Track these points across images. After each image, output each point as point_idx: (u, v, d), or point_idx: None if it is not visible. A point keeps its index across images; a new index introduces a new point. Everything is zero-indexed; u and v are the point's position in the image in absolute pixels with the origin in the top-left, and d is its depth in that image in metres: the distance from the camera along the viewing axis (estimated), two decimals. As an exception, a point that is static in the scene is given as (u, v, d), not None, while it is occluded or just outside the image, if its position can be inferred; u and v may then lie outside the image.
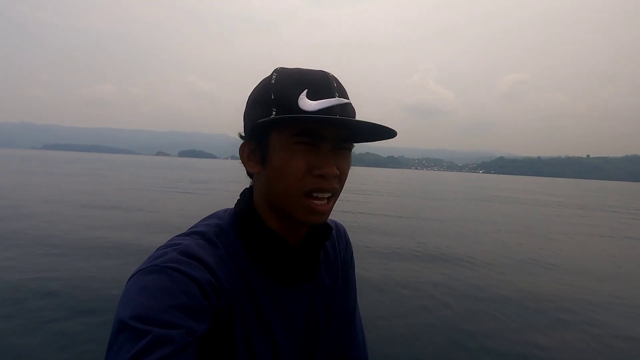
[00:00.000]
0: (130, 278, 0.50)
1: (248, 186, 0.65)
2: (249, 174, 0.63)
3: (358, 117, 0.58)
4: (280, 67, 0.58)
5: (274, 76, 0.57)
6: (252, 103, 0.59)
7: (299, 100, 0.53)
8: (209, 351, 0.50)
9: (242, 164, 0.61)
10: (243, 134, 0.61)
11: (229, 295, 0.55)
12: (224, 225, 0.61)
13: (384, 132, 0.55)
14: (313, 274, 0.65)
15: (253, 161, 0.59)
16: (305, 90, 0.54)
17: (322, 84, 0.55)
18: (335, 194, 0.58)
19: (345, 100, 0.55)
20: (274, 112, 0.54)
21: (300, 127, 0.54)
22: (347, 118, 0.53)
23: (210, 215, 0.66)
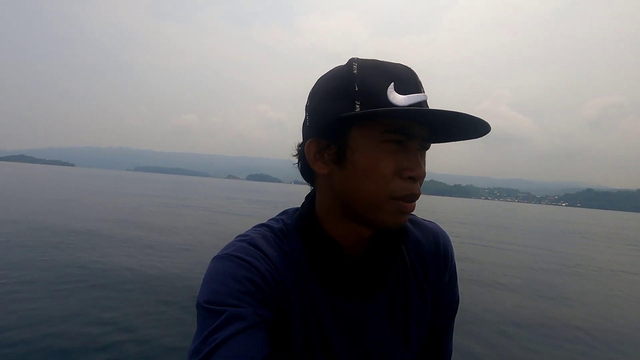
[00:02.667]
0: (209, 264, 0.55)
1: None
2: (308, 178, 0.61)
3: None
4: (358, 58, 0.54)
5: (354, 65, 0.52)
6: (325, 95, 0.53)
7: (388, 94, 0.49)
8: (272, 340, 0.52)
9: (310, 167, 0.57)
10: (306, 130, 0.57)
11: (288, 290, 0.56)
12: (290, 224, 0.62)
13: (469, 130, 0.51)
14: (379, 287, 0.60)
15: (322, 160, 0.55)
16: (392, 83, 0.50)
17: (409, 77, 0.51)
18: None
19: (427, 96, 0.52)
20: (357, 106, 0.50)
21: (390, 124, 0.50)
22: (443, 109, 0.47)
23: (283, 211, 0.66)
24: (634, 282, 7.10)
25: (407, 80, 0.51)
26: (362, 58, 0.53)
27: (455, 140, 0.57)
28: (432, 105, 0.52)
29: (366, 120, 0.51)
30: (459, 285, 0.70)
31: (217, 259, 0.54)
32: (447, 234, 0.71)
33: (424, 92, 0.52)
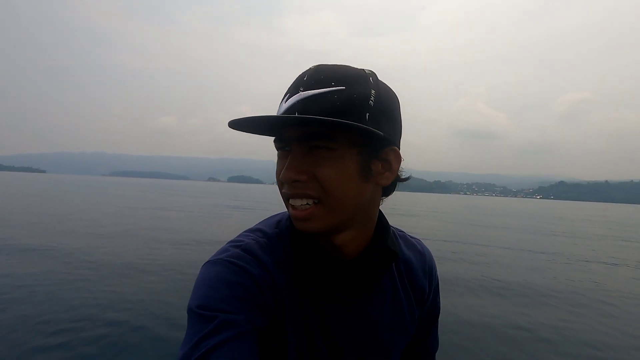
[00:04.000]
0: (201, 268, 0.55)
1: None
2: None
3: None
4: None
5: None
6: None
7: (278, 108, 0.54)
8: (264, 346, 0.53)
9: None
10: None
11: (282, 297, 0.56)
12: (283, 227, 0.62)
13: (341, 125, 0.50)
14: (367, 294, 0.62)
15: None
16: (286, 95, 0.53)
17: (294, 82, 0.53)
18: (320, 201, 0.53)
19: (310, 93, 0.51)
20: None
21: (274, 133, 0.55)
22: (285, 115, 0.49)
23: (280, 213, 0.67)
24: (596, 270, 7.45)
25: (292, 86, 0.53)
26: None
27: (329, 137, 0.53)
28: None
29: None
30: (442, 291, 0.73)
31: (210, 263, 0.54)
32: (431, 252, 0.76)
33: (301, 91, 0.52)
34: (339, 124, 0.48)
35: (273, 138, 0.57)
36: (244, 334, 0.48)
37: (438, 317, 0.79)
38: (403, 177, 0.61)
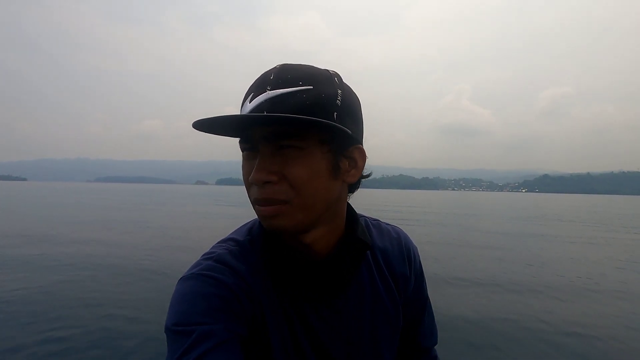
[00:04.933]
0: (175, 286, 0.54)
1: None
2: None
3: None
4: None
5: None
6: None
7: (241, 107, 0.53)
8: (248, 354, 0.53)
9: None
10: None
11: (261, 303, 0.56)
12: (255, 234, 0.62)
13: (313, 123, 0.49)
14: (342, 290, 0.62)
15: None
16: (251, 94, 0.52)
17: (260, 81, 0.52)
18: (287, 202, 0.52)
19: (278, 92, 0.50)
20: None
21: (239, 134, 0.54)
22: (254, 114, 0.48)
23: (252, 220, 0.66)
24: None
25: (257, 86, 0.52)
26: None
27: (306, 133, 0.52)
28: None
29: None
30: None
31: (184, 280, 0.54)
32: (409, 236, 0.74)
33: (269, 89, 0.50)
34: (314, 122, 0.48)
35: (238, 139, 0.56)
36: (224, 343, 0.48)
37: (427, 304, 0.77)
38: (365, 174, 0.61)
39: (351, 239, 0.61)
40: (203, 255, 0.58)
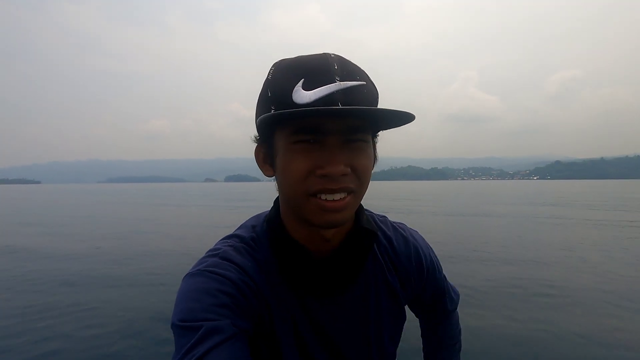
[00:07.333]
0: (181, 283, 0.55)
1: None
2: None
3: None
4: (280, 60, 0.54)
5: (271, 70, 0.53)
6: (257, 104, 0.54)
7: (293, 94, 0.48)
8: (256, 349, 0.54)
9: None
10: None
11: (267, 298, 0.56)
12: (259, 230, 0.62)
13: (398, 117, 0.49)
14: (347, 287, 0.62)
15: (268, 164, 0.57)
16: (302, 80, 0.48)
17: (320, 69, 0.49)
18: (352, 192, 0.52)
19: (351, 84, 0.49)
20: (272, 111, 0.50)
21: (298, 124, 0.49)
22: (344, 107, 0.46)
23: (255, 216, 0.66)
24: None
25: (319, 73, 0.49)
26: (285, 59, 0.53)
27: (386, 129, 0.56)
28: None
29: (280, 124, 0.51)
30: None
31: (189, 276, 0.54)
32: (418, 234, 0.74)
33: (338, 80, 0.48)
34: (412, 118, 0.49)
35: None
36: (232, 338, 0.48)
37: (444, 285, 0.77)
38: None
39: (357, 228, 0.61)
40: (208, 251, 0.58)
